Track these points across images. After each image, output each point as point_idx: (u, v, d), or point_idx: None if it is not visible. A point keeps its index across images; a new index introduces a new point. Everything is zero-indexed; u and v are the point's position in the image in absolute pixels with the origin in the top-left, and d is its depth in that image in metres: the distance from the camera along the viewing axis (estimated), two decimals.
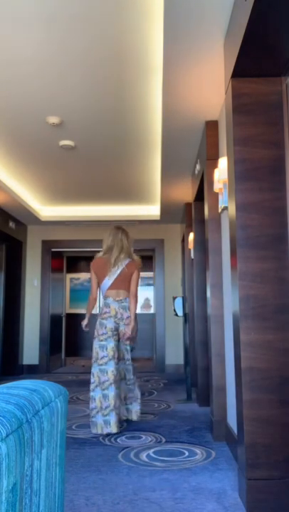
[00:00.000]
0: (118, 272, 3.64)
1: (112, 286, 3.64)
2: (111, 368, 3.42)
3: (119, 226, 3.83)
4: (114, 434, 3.35)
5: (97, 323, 3.60)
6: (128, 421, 3.69)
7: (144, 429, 3.52)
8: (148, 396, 4.94)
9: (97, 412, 3.36)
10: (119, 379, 3.56)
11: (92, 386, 3.44)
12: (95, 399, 3.39)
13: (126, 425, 3.60)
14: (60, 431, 1.13)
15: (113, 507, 2.11)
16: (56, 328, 7.67)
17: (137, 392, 3.69)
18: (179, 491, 2.28)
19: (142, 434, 3.36)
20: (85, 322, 3.73)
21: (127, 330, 3.57)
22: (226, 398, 3.24)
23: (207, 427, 3.56)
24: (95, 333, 3.56)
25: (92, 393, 3.42)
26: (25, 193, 5.87)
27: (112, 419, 3.31)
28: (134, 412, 3.66)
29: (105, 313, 3.61)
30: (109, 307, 3.62)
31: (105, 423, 3.32)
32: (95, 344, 3.52)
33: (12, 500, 0.78)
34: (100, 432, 3.32)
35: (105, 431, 3.31)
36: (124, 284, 3.66)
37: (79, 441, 3.23)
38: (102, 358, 3.46)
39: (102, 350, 3.47)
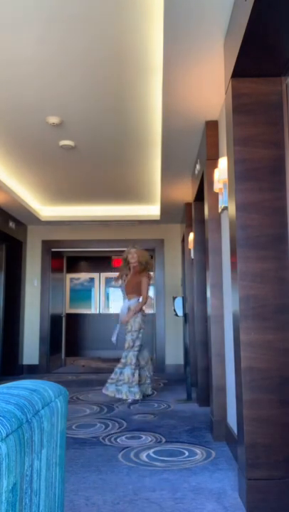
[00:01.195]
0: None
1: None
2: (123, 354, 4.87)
3: (135, 248, 5.09)
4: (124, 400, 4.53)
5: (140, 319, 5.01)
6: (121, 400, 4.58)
7: (144, 429, 3.52)
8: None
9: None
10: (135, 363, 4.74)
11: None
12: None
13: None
14: (60, 431, 1.13)
15: (113, 507, 2.11)
16: (56, 328, 7.67)
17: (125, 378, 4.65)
18: (179, 491, 2.28)
19: (142, 434, 3.36)
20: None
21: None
22: (226, 398, 3.24)
23: (207, 427, 3.56)
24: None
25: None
26: (25, 193, 5.87)
27: (124, 389, 4.57)
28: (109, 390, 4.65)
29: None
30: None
31: (118, 391, 4.59)
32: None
33: (12, 500, 0.78)
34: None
35: (117, 396, 4.58)
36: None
37: (79, 441, 3.24)
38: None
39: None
